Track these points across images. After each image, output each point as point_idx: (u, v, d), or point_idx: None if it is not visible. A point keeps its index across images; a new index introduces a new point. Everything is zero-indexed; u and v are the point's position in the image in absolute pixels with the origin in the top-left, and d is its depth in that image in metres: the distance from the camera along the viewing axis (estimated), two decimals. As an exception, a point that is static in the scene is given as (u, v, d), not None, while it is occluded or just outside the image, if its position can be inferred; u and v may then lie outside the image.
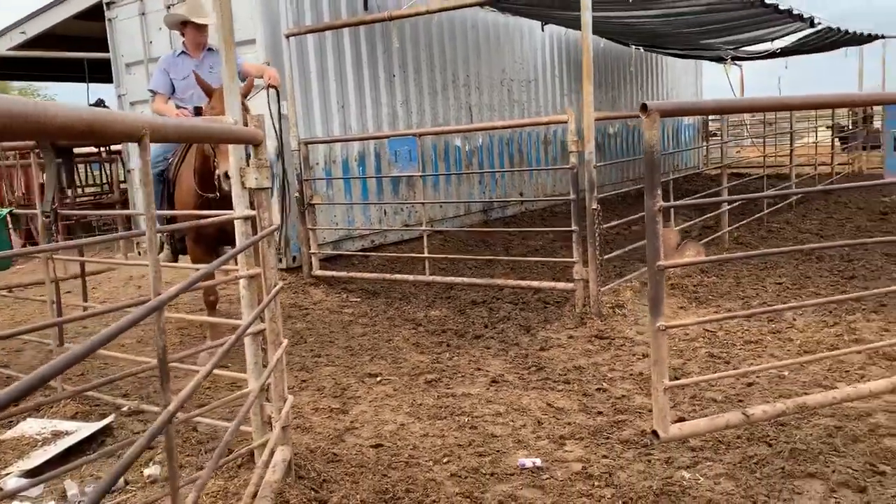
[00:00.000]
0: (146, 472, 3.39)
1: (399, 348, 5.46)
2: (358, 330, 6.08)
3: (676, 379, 3.96)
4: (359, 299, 7.08)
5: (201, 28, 5.69)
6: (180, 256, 5.89)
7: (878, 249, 7.57)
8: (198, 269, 2.97)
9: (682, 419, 3.67)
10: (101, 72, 11.37)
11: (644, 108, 2.78)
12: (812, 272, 6.94)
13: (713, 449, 3.44)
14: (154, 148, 5.32)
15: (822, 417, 3.68)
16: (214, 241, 5.32)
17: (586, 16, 5.72)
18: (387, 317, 6.40)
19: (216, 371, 3.40)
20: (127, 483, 3.33)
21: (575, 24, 10.59)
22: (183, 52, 5.74)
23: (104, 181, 14.79)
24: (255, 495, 2.59)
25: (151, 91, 5.83)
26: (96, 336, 1.32)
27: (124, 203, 10.76)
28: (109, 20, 9.37)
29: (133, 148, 9.68)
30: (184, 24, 5.66)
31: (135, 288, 7.88)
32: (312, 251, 7.68)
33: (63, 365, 1.19)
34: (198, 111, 5.21)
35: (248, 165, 2.99)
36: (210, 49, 5.78)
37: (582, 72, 5.83)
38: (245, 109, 4.10)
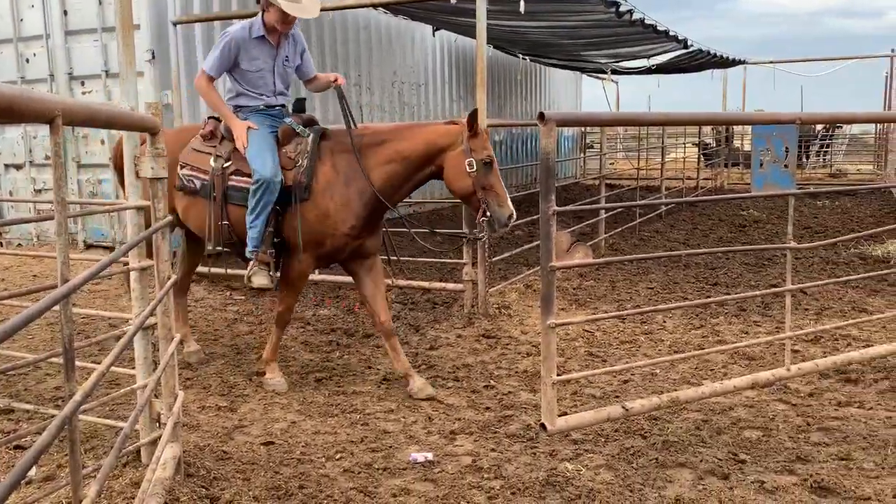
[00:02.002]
0: None
1: (287, 347, 5.41)
2: (243, 328, 5.96)
3: (560, 376, 4.15)
4: (243, 297, 6.92)
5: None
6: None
7: (738, 258, 8.20)
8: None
9: (564, 413, 3.85)
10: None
11: (542, 116, 2.92)
12: (680, 278, 7.42)
13: (593, 442, 3.64)
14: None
15: (691, 412, 3.97)
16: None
17: (481, 24, 5.88)
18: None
19: (87, 366, 3.27)
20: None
21: (468, 30, 10.83)
22: (262, 35, 4.63)
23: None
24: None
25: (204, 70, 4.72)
26: (5, 324, 1.26)
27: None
28: (-27, -7, 8.71)
29: (-3, 131, 9.02)
30: (269, 4, 4.50)
31: (-3, 281, 7.36)
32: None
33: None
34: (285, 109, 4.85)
35: (143, 154, 2.90)
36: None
37: (471, 78, 6.01)
38: None
